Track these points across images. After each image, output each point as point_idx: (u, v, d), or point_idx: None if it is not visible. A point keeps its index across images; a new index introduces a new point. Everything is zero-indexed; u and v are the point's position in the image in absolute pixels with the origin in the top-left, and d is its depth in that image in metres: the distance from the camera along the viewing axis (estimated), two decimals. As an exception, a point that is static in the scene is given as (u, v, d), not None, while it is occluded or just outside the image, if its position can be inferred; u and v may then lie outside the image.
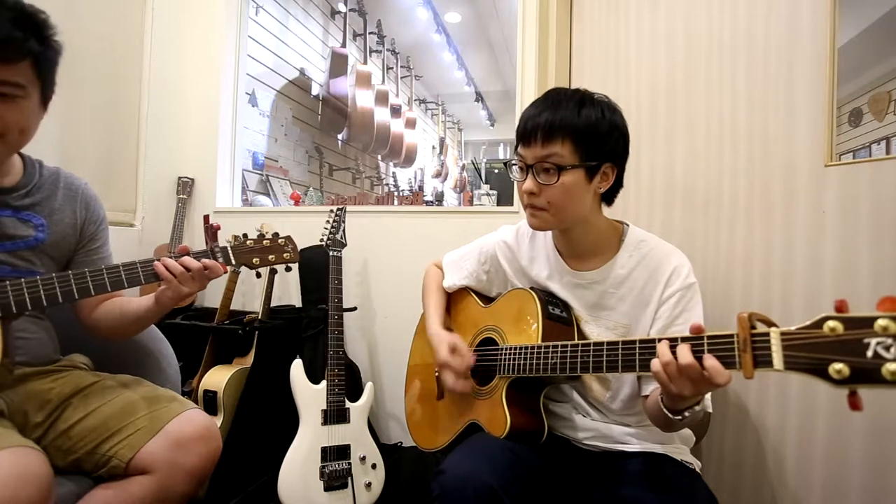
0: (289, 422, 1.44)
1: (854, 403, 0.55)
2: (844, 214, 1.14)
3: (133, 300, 1.06)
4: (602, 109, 0.93)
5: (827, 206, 1.17)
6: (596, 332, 1.00)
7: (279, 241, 1.07)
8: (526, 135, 0.93)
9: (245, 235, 1.06)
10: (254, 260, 1.04)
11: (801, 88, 1.22)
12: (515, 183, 1.03)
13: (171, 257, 0.96)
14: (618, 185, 0.99)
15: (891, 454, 1.07)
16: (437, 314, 1.19)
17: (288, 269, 1.11)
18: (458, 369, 1.03)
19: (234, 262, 1.02)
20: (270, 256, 1.05)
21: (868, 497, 1.09)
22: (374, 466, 1.48)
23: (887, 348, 0.52)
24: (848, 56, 1.16)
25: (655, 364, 0.72)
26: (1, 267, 0.95)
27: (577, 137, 0.90)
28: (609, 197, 1.01)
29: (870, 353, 0.53)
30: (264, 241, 1.06)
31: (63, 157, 1.71)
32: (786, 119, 1.24)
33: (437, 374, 1.18)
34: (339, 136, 3.59)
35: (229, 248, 1.02)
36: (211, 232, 1.02)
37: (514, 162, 0.97)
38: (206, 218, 1.09)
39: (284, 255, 1.07)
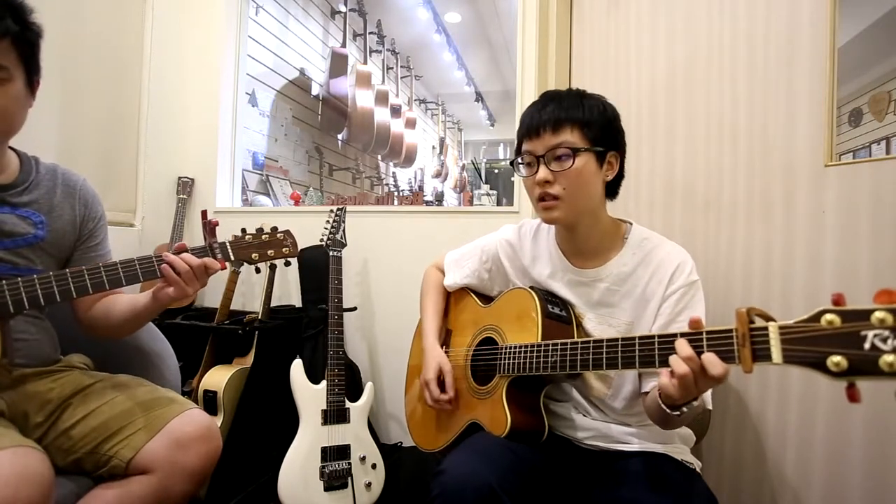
0: (289, 422, 1.44)
1: (852, 395, 0.55)
2: (844, 214, 1.14)
3: (129, 297, 1.05)
4: (601, 103, 0.98)
5: (827, 206, 1.17)
6: (598, 329, 1.00)
7: (278, 234, 1.06)
8: (533, 128, 0.95)
9: (244, 230, 1.05)
10: (253, 255, 1.03)
11: (801, 88, 1.22)
12: (521, 181, 1.04)
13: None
14: (620, 175, 1.01)
15: (891, 453, 1.06)
16: (433, 322, 1.20)
17: (287, 264, 1.11)
18: (434, 397, 1.08)
19: (232, 257, 1.00)
20: (270, 251, 1.04)
21: (868, 496, 1.09)
22: (374, 466, 1.48)
23: (884, 340, 0.52)
24: (848, 56, 1.16)
25: (663, 381, 0.72)
26: (0, 265, 0.95)
27: (584, 124, 0.94)
28: (613, 189, 1.02)
29: (867, 346, 0.53)
30: (263, 236, 1.04)
31: (63, 157, 1.70)
32: (786, 119, 1.24)
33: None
34: (339, 136, 3.59)
35: (228, 245, 1.01)
36: (209, 228, 1.01)
37: (520, 161, 0.99)
38: (204, 213, 1.08)
39: (283, 249, 1.06)
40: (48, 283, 0.89)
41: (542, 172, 0.94)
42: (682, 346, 0.69)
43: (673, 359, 0.71)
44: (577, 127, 0.93)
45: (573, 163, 0.92)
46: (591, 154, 0.94)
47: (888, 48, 1.17)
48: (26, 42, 0.90)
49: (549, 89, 1.03)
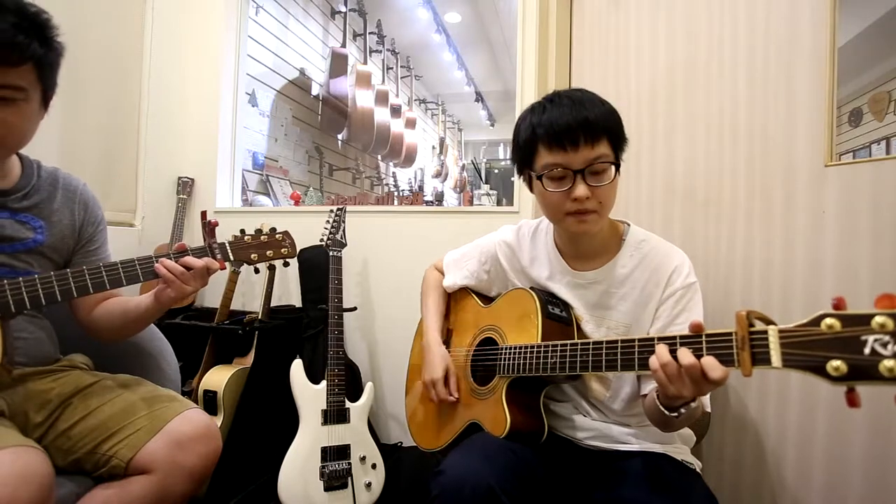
0: (289, 422, 1.44)
1: (852, 400, 0.55)
2: (844, 214, 1.14)
3: (132, 299, 1.06)
4: (611, 106, 0.93)
5: (827, 206, 1.17)
6: (597, 331, 1.00)
7: (276, 235, 1.07)
8: (570, 136, 0.87)
9: (243, 231, 1.06)
10: (252, 256, 1.04)
11: (801, 88, 1.22)
12: (547, 193, 0.91)
13: (170, 256, 0.96)
14: None
15: (891, 454, 1.07)
16: (435, 321, 1.20)
17: (286, 265, 1.12)
18: (441, 396, 1.08)
19: (232, 258, 1.02)
20: (268, 252, 1.06)
21: (868, 497, 1.09)
22: (374, 466, 1.48)
23: (884, 345, 0.52)
24: (848, 56, 1.16)
25: (654, 363, 0.72)
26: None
27: (612, 134, 0.90)
28: None
29: (867, 351, 0.53)
30: (262, 237, 1.06)
31: (63, 158, 1.71)
32: (786, 119, 1.24)
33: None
34: (339, 136, 3.59)
35: (227, 245, 1.02)
36: (209, 228, 1.02)
37: (554, 173, 0.90)
38: (204, 214, 1.09)
39: (282, 249, 1.07)
40: (49, 283, 0.90)
41: (583, 189, 0.87)
42: (685, 355, 0.69)
43: (651, 360, 0.72)
44: (606, 137, 0.89)
45: (613, 177, 0.89)
46: (615, 165, 0.91)
47: (888, 48, 1.17)
48: (48, 63, 0.90)
49: (561, 90, 0.95)
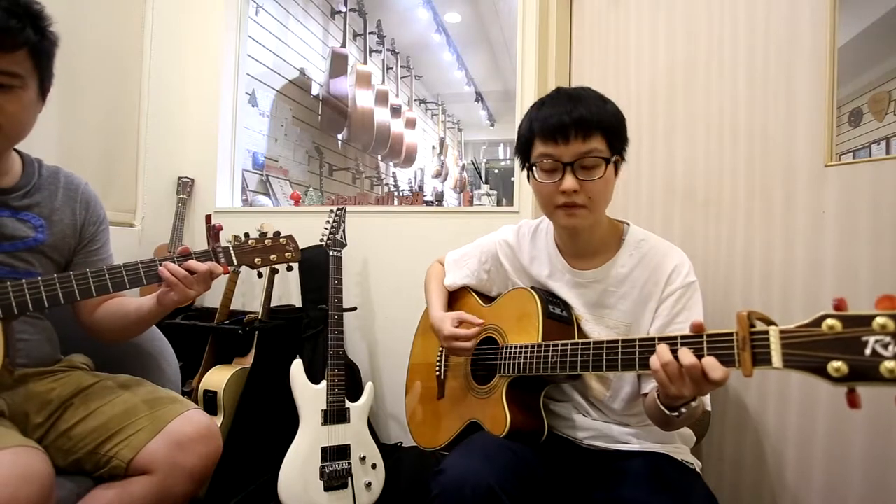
0: (289, 422, 1.44)
1: (853, 401, 0.55)
2: (844, 214, 1.14)
3: (134, 301, 1.06)
4: (616, 107, 0.94)
5: (827, 206, 1.17)
6: (596, 331, 1.00)
7: (280, 240, 1.07)
8: (560, 131, 0.89)
9: (246, 235, 1.06)
10: (255, 260, 1.04)
11: (801, 88, 1.22)
12: (525, 181, 0.98)
13: (173, 260, 0.96)
14: None
15: (891, 454, 1.07)
16: (439, 301, 1.20)
17: (289, 269, 1.11)
18: (466, 335, 1.03)
19: (235, 262, 1.02)
20: (272, 256, 1.05)
21: (868, 497, 1.09)
22: (374, 466, 1.48)
23: (885, 346, 0.52)
24: (848, 56, 1.16)
25: (654, 363, 0.72)
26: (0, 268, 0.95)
27: (608, 131, 0.91)
28: None
29: (868, 352, 0.53)
30: (266, 241, 1.06)
31: (63, 157, 1.71)
32: (786, 119, 1.24)
33: (437, 373, 1.19)
34: (339, 136, 3.59)
35: (231, 249, 1.02)
36: (213, 232, 1.02)
37: (544, 164, 0.92)
38: (209, 218, 1.09)
39: (286, 254, 1.07)
40: (52, 285, 0.89)
41: (570, 182, 0.89)
42: (685, 355, 0.69)
43: (652, 360, 0.72)
44: (601, 133, 0.90)
45: (603, 173, 0.90)
46: (611, 162, 0.92)
47: (888, 48, 1.17)
48: (43, 51, 0.91)
49: (562, 87, 0.97)
